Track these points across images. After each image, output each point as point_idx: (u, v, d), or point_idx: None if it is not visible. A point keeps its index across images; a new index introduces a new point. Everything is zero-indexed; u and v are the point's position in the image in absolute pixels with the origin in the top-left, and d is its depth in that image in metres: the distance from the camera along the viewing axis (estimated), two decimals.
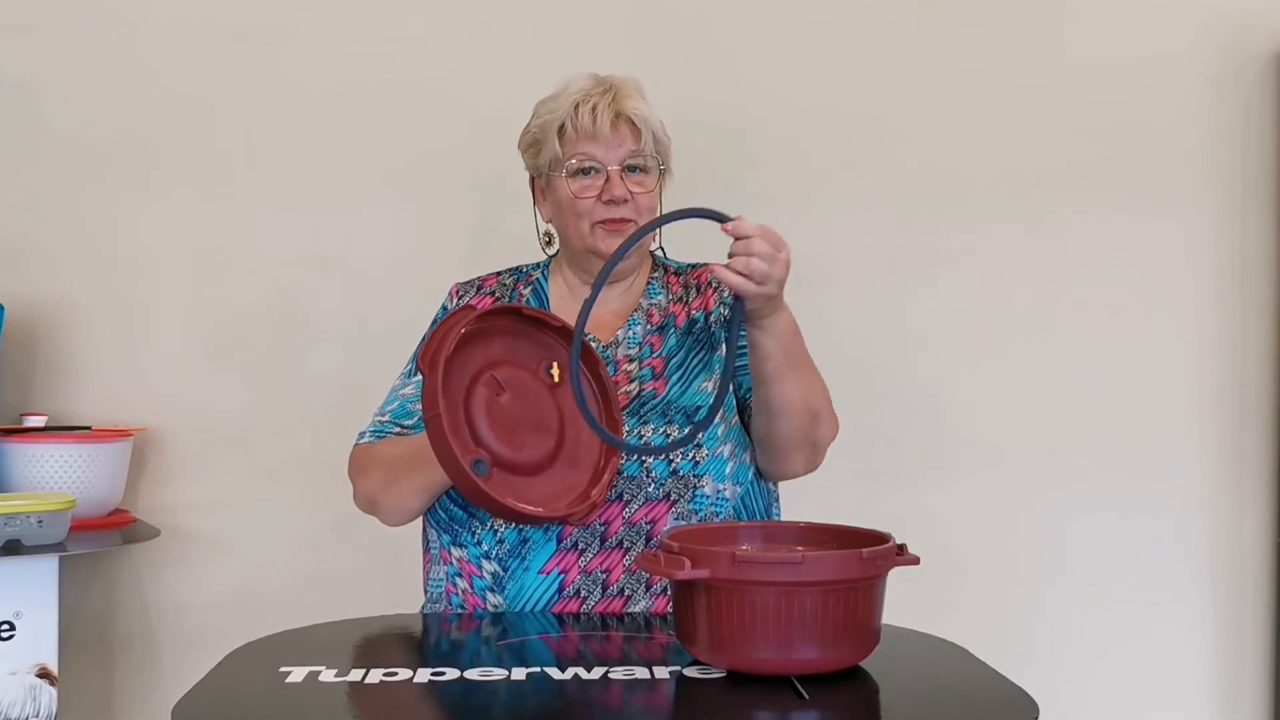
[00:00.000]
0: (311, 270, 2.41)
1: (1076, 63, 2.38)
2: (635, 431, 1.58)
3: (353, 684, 1.15)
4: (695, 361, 1.66)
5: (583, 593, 1.53)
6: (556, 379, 1.54)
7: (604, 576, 1.53)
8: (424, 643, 1.46)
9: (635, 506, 1.54)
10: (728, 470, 1.59)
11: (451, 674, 1.18)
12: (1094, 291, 2.38)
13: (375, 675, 1.18)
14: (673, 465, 1.56)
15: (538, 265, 1.78)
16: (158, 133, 2.42)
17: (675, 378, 1.64)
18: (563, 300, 1.72)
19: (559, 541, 1.54)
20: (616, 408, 1.55)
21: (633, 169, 1.64)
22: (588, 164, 1.63)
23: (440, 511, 1.62)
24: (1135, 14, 2.38)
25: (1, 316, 2.27)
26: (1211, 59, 2.37)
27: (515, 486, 1.45)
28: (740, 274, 1.37)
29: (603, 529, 1.53)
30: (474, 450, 1.43)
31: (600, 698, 1.14)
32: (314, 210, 2.42)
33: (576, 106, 1.63)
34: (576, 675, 1.18)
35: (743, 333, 1.50)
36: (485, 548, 1.57)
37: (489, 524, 1.56)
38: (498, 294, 1.74)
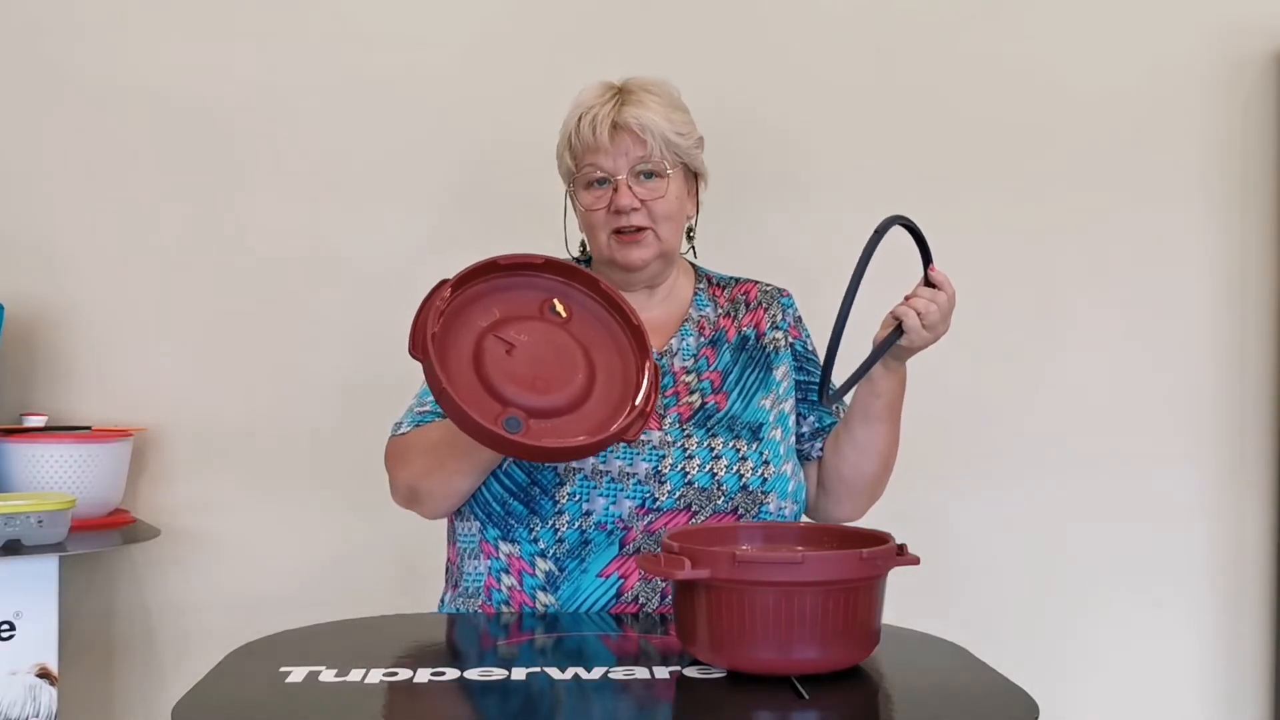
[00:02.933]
0: (311, 270, 2.41)
1: (1076, 63, 2.38)
2: (705, 443, 1.58)
3: (353, 684, 1.15)
4: (752, 379, 1.66)
5: (640, 599, 1.52)
6: (564, 314, 1.50)
7: (664, 585, 1.52)
8: (424, 643, 1.46)
9: (703, 518, 1.54)
10: (789, 488, 1.61)
11: (451, 674, 1.18)
12: (1094, 292, 2.38)
13: (375, 675, 1.18)
14: (743, 480, 1.56)
15: (579, 261, 1.76)
16: (158, 133, 2.42)
17: (735, 393, 1.65)
18: None
19: (621, 546, 1.53)
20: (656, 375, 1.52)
21: (647, 174, 1.62)
22: (596, 175, 1.62)
23: (495, 505, 1.57)
24: (1135, 14, 2.38)
25: (1, 316, 2.27)
26: (1211, 59, 2.37)
27: (561, 428, 1.42)
28: (918, 313, 1.53)
29: None
30: (503, 410, 1.40)
31: (600, 698, 1.14)
32: (314, 210, 2.41)
33: (579, 120, 1.63)
34: (576, 675, 1.18)
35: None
36: (542, 545, 1.54)
37: (549, 522, 1.54)
38: None
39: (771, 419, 1.64)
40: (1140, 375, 2.38)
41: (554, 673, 1.19)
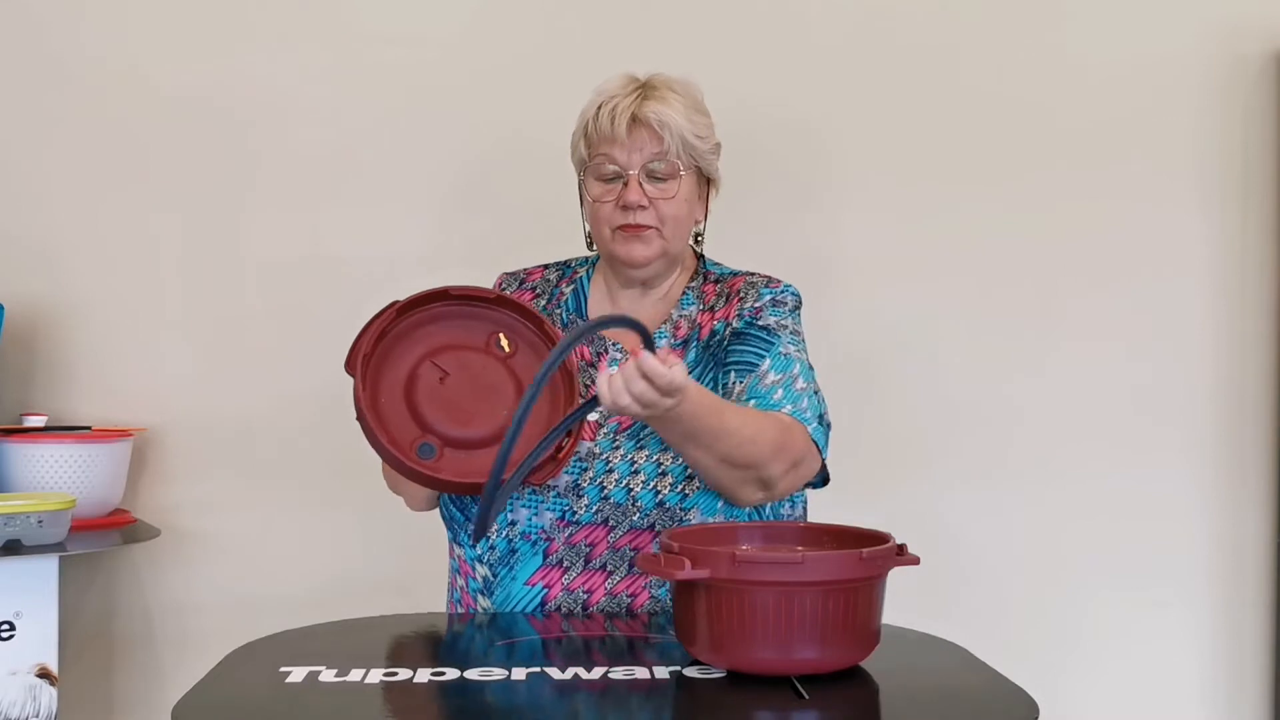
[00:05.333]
0: (312, 270, 2.41)
1: (1076, 64, 2.38)
2: (628, 457, 1.55)
3: (353, 684, 1.15)
4: (706, 382, 1.60)
5: (563, 609, 1.53)
6: (508, 349, 1.55)
7: (585, 597, 1.52)
8: (424, 642, 1.46)
9: (620, 533, 1.53)
10: (719, 504, 1.55)
11: (452, 674, 1.18)
12: (1094, 292, 2.38)
13: (375, 675, 1.18)
14: (659, 497, 1.53)
15: (585, 261, 1.75)
16: (158, 133, 2.42)
17: None
18: (601, 302, 1.70)
19: (545, 557, 1.54)
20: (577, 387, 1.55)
21: (659, 174, 1.59)
22: (608, 167, 1.60)
23: (442, 509, 1.63)
24: (1134, 15, 2.38)
25: (1, 316, 2.27)
26: (1211, 60, 2.37)
27: (473, 461, 1.47)
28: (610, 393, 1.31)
29: (587, 550, 1.53)
30: (421, 436, 1.47)
31: (600, 697, 1.14)
32: (315, 210, 2.41)
33: (599, 108, 1.60)
34: (577, 675, 1.18)
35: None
36: (479, 551, 1.57)
37: None
38: (539, 290, 1.72)
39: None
40: (1140, 375, 2.38)
41: (554, 673, 1.19)
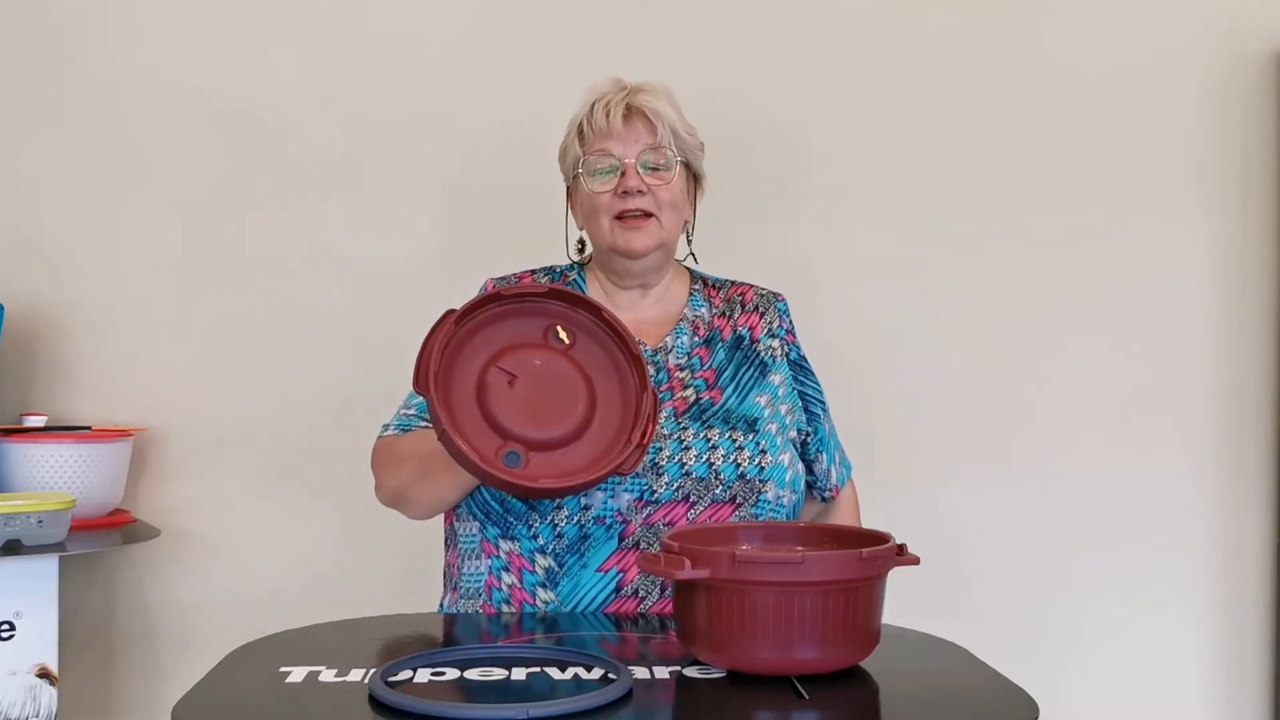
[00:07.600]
0: (312, 271, 2.41)
1: (1075, 63, 2.38)
2: (701, 434, 1.58)
3: (353, 684, 1.15)
4: (747, 377, 1.67)
5: (640, 593, 1.53)
6: (567, 341, 1.50)
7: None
8: (425, 643, 1.46)
9: (701, 508, 1.54)
10: (787, 478, 1.61)
11: (452, 674, 1.18)
12: (1094, 292, 2.38)
13: (375, 675, 1.17)
14: (740, 469, 1.56)
15: (572, 266, 1.78)
16: (158, 133, 2.42)
17: (730, 389, 1.65)
18: (601, 300, 1.71)
19: (620, 540, 1.53)
20: (642, 361, 1.50)
21: (653, 166, 1.64)
22: (605, 161, 1.64)
23: (494, 504, 1.58)
24: (1134, 14, 2.38)
25: (1, 316, 2.27)
26: (1210, 59, 2.37)
27: (560, 460, 1.43)
28: None
29: (667, 530, 1.53)
30: (503, 445, 1.42)
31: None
32: (315, 210, 2.42)
33: (593, 106, 1.65)
34: (576, 675, 1.18)
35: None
36: (541, 542, 1.55)
37: (548, 518, 1.54)
38: None
39: (767, 414, 1.64)
40: (1140, 375, 2.38)
41: (554, 673, 1.19)
